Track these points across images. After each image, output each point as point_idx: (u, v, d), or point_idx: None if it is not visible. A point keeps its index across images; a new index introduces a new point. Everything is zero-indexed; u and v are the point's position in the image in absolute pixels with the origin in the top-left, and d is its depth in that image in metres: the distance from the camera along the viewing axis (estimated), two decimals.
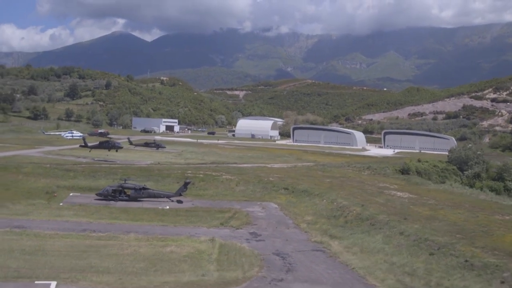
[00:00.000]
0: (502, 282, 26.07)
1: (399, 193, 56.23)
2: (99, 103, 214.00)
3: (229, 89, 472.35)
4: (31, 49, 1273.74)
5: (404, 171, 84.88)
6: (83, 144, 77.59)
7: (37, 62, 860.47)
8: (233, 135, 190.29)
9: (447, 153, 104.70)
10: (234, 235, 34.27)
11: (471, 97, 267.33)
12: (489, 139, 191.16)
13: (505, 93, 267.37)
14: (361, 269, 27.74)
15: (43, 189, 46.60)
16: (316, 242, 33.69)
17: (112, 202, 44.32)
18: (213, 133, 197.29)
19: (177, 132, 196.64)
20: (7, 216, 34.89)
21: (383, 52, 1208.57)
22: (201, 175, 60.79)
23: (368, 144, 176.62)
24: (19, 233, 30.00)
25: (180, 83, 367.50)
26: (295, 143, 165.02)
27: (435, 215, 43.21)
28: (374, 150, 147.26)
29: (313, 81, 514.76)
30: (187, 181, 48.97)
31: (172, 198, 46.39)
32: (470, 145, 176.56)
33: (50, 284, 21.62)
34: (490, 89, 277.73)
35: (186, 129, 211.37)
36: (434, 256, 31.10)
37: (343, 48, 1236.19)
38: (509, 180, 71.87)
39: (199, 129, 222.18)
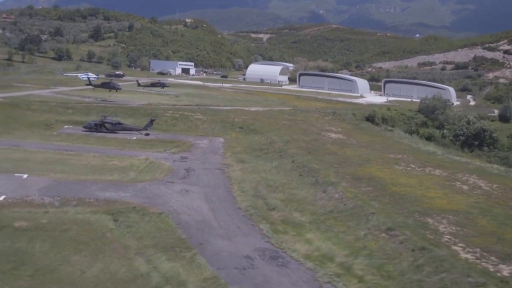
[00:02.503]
0: (324, 192, 39.35)
1: (333, 135, 68.90)
2: (121, 45, 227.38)
3: (253, 32, 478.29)
4: None
5: (370, 118, 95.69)
6: (88, 83, 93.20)
7: (70, 0, 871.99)
8: (244, 79, 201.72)
9: None
10: (167, 157, 48.16)
11: (484, 48, 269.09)
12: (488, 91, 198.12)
13: None
14: (236, 180, 41.35)
15: (44, 122, 61.14)
16: (224, 164, 47.30)
17: (94, 133, 58.48)
18: (225, 77, 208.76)
19: (192, 75, 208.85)
20: (10, 139, 49.48)
21: None
22: (177, 115, 74.47)
23: (372, 92, 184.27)
24: (14, 149, 44.53)
25: (204, 25, 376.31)
26: (301, 89, 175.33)
27: (337, 151, 56.22)
28: (369, 98, 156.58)
29: (338, 26, 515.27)
30: (153, 118, 62.65)
31: (141, 132, 60.29)
32: (469, 96, 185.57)
33: (22, 175, 35.99)
34: (505, 41, 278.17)
35: (202, 72, 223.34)
36: (300, 177, 44.39)
37: None
38: (447, 129, 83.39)
39: (215, 72, 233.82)
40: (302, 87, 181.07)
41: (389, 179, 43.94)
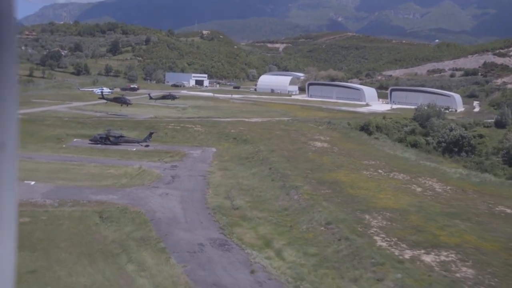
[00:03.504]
0: (286, 194, 45.80)
1: (319, 144, 75.09)
2: (138, 58, 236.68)
3: (269, 42, 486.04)
4: (85, 0, 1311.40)
5: (365, 127, 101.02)
6: (101, 97, 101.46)
7: (91, 13, 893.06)
8: (255, 89, 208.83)
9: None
10: (159, 166, 55.13)
11: (494, 54, 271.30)
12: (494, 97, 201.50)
13: None
14: (214, 185, 48.08)
15: (56, 136, 68.76)
16: (208, 172, 54.05)
17: (99, 145, 65.81)
18: (238, 88, 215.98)
19: (206, 87, 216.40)
20: (25, 152, 56.88)
21: (438, 0, 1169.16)
22: (178, 127, 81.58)
23: (380, 100, 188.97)
24: (27, 161, 51.90)
25: (220, 36, 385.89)
26: (310, 98, 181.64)
27: (315, 159, 62.57)
28: (374, 106, 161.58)
29: (354, 34, 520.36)
30: (152, 131, 69.77)
31: (141, 143, 67.43)
32: (476, 103, 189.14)
33: (30, 182, 43.29)
34: None
35: (215, 83, 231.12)
36: (272, 181, 50.86)
37: None
38: (432, 136, 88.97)
39: (228, 83, 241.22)
40: (311, 96, 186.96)
41: (349, 183, 50.17)
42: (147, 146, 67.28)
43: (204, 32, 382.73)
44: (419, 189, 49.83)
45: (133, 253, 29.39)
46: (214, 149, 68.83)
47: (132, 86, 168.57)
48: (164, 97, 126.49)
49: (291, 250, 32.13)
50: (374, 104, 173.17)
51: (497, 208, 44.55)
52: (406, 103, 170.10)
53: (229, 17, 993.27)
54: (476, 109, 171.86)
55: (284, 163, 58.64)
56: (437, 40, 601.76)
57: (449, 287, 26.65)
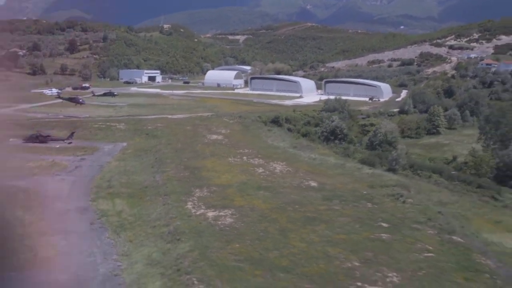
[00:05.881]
0: (153, 177, 63.48)
1: (215, 136, 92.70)
2: (94, 56, 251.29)
3: (230, 34, 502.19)
4: None
5: (275, 119, 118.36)
6: (58, 97, 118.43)
7: (59, 5, 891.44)
8: (203, 84, 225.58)
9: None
10: (70, 159, 72.32)
11: (431, 44, 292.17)
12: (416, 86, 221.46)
13: (464, 40, 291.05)
14: (105, 171, 65.59)
15: None
16: (107, 162, 71.45)
17: (30, 144, 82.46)
18: (188, 83, 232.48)
19: (158, 82, 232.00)
20: None
21: None
22: (103, 126, 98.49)
23: (319, 91, 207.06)
24: None
25: (181, 29, 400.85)
26: (252, 92, 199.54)
27: (199, 149, 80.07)
28: (305, 98, 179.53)
29: (312, 24, 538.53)
30: (73, 131, 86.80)
31: (65, 141, 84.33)
32: (404, 91, 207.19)
33: None
34: (452, 36, 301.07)
35: (167, 79, 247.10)
36: (151, 168, 68.46)
37: None
38: (320, 126, 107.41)
39: (180, 78, 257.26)
40: (253, 90, 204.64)
41: (209, 167, 67.85)
42: (70, 143, 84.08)
43: (165, 26, 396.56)
44: (260, 170, 67.80)
45: (20, 216, 47.00)
46: (125, 144, 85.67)
47: (84, 85, 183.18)
48: (105, 94, 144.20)
49: (129, 211, 50.13)
50: (308, 96, 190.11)
51: (306, 183, 62.70)
52: (339, 94, 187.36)
53: (201, 7, 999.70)
54: (399, 99, 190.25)
55: (171, 153, 76.38)
56: (402, 27, 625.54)
57: (205, 228, 44.80)
